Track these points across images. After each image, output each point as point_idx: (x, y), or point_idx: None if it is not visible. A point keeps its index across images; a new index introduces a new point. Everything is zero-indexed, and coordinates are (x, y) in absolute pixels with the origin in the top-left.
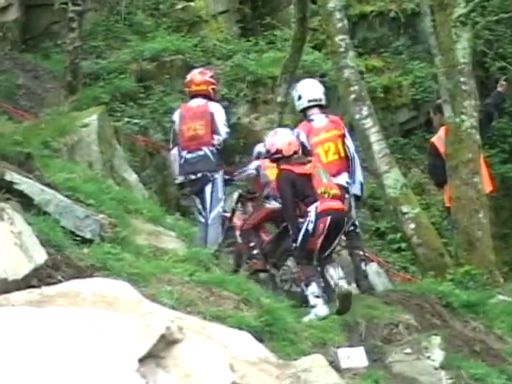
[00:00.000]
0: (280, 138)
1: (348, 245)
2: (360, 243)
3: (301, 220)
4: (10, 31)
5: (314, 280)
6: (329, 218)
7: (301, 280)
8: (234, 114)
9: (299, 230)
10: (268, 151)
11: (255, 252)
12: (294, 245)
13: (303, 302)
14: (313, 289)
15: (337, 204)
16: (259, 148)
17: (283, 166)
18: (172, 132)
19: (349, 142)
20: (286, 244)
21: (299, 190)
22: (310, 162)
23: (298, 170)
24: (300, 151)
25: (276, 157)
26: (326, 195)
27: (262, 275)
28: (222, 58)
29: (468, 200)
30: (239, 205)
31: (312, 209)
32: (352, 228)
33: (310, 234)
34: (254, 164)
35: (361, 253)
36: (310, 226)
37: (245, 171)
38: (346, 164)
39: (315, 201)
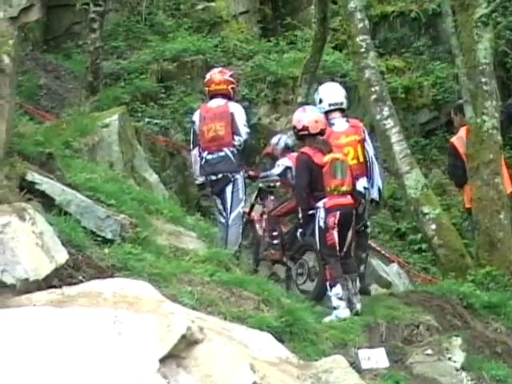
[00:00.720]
0: (307, 115)
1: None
2: (365, 242)
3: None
4: (31, 32)
5: (339, 281)
6: (338, 213)
7: (326, 280)
8: (254, 114)
9: (309, 216)
10: (294, 128)
11: (275, 242)
12: (299, 234)
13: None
14: (337, 290)
15: (345, 199)
16: (285, 139)
17: (304, 150)
18: (192, 132)
19: (368, 146)
20: (306, 238)
21: (314, 178)
22: (330, 151)
23: (316, 158)
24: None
25: (302, 134)
26: (336, 192)
27: (282, 276)
28: (243, 59)
29: (489, 201)
30: (258, 199)
31: (320, 205)
32: (363, 228)
33: (324, 230)
34: (283, 164)
35: (363, 255)
36: (322, 222)
37: (268, 176)
38: (365, 169)
39: (324, 197)
